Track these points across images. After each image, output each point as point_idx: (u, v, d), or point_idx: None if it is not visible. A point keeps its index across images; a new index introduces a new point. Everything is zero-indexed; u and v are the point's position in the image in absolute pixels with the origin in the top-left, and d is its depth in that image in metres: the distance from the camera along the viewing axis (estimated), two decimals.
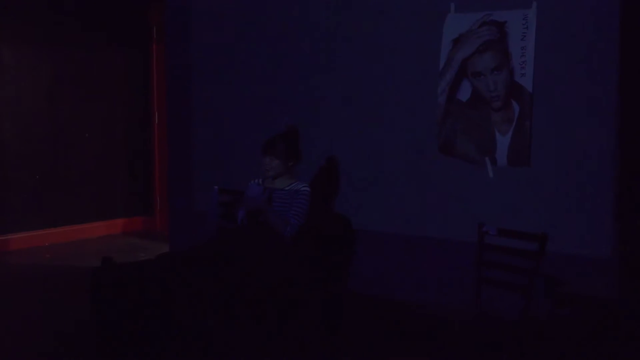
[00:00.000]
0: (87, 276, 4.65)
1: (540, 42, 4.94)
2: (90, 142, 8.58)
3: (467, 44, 5.22)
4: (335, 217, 5.77)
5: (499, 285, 4.49)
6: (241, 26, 6.51)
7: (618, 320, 4.47)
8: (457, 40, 5.26)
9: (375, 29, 5.70)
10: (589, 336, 4.81)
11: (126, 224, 9.01)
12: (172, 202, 7.23)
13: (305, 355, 4.76)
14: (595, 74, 4.78)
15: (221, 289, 4.44)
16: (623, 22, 4.66)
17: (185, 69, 6.96)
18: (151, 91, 8.95)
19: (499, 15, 5.07)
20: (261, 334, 4.67)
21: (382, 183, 5.73)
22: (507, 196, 5.12)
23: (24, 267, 7.27)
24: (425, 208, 5.52)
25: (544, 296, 4.80)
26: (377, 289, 5.77)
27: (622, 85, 4.67)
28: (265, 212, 4.94)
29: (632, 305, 4.53)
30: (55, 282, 6.74)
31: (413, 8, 5.49)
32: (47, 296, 6.32)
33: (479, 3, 5.16)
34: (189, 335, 4.28)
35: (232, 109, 6.62)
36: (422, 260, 5.55)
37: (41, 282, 6.79)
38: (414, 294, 5.57)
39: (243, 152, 6.50)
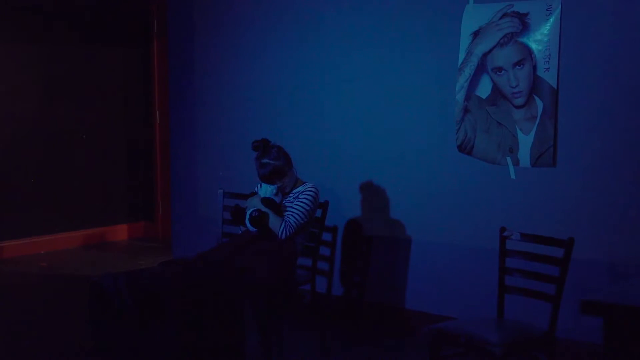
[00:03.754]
0: (85, 285, 4.63)
1: (566, 34, 4.76)
2: (88, 144, 8.47)
3: (487, 37, 5.04)
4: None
5: (523, 293, 4.28)
6: (246, 22, 6.39)
7: None
8: (476, 33, 5.08)
9: (390, 21, 5.56)
10: (622, 346, 4.64)
11: (126, 229, 8.88)
12: (175, 207, 7.16)
13: None
14: (626, 67, 4.59)
15: (225, 299, 4.39)
16: None
17: (188, 67, 6.92)
18: (152, 90, 8.84)
19: (520, 5, 4.90)
20: (265, 342, 4.68)
21: (395, 185, 5.61)
22: (531, 199, 4.98)
23: (19, 276, 7.17)
24: (442, 211, 5.40)
25: (571, 305, 4.63)
26: (389, 298, 5.64)
27: None
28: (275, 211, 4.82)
29: None
30: (52, 292, 6.68)
31: None
32: (43, 306, 6.26)
33: None
34: (189, 344, 4.24)
35: (238, 109, 6.57)
36: (439, 267, 5.46)
37: (37, 291, 6.72)
38: (430, 303, 5.46)
39: (249, 154, 6.33)
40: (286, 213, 4.83)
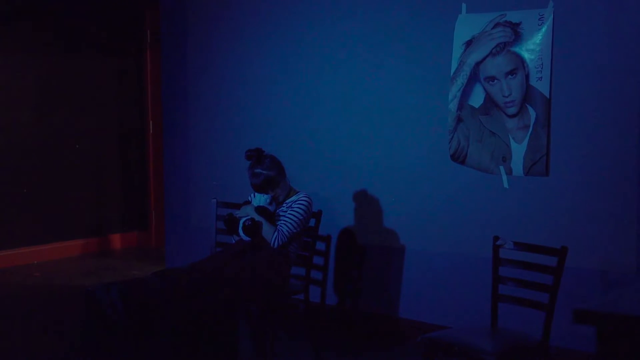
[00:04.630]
0: (78, 295, 4.53)
1: (558, 44, 4.76)
2: (81, 153, 8.41)
3: (479, 47, 5.03)
4: None
5: (517, 302, 4.26)
6: (238, 30, 6.35)
7: None
8: (469, 43, 5.07)
9: (382, 32, 5.53)
10: (615, 355, 4.63)
11: (120, 239, 8.82)
12: (168, 216, 7.11)
13: None
14: (618, 76, 4.57)
15: (218, 308, 4.39)
16: None
17: (181, 76, 6.86)
18: (145, 99, 8.79)
19: (513, 15, 4.89)
20: (259, 351, 4.73)
21: (389, 194, 5.57)
22: (524, 208, 4.96)
23: (12, 286, 7.11)
24: (435, 220, 5.37)
25: (564, 313, 4.62)
26: (383, 307, 5.60)
27: None
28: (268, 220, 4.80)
29: None
30: (45, 302, 6.61)
31: (422, 8, 5.31)
32: (37, 317, 6.19)
33: (492, 3, 5.01)
34: (182, 354, 4.23)
35: (232, 119, 6.52)
36: (432, 277, 5.42)
37: (30, 301, 6.66)
38: (423, 312, 5.43)
39: (242, 164, 6.31)
40: (279, 222, 4.82)
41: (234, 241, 5.00)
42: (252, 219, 4.75)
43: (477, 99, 5.06)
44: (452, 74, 5.15)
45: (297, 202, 4.87)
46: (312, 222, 5.06)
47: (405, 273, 5.53)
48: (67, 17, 8.20)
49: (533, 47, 4.81)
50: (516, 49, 4.88)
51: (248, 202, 4.97)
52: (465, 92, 5.10)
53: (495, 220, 5.04)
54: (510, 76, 4.91)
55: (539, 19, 4.78)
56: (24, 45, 7.89)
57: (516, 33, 4.87)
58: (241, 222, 4.80)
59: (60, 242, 8.26)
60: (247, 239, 4.80)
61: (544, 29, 4.77)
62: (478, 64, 5.04)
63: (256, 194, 4.93)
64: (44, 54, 8.03)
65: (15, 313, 6.29)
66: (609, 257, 4.66)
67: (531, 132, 4.85)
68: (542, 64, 4.78)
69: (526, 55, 4.84)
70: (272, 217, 4.83)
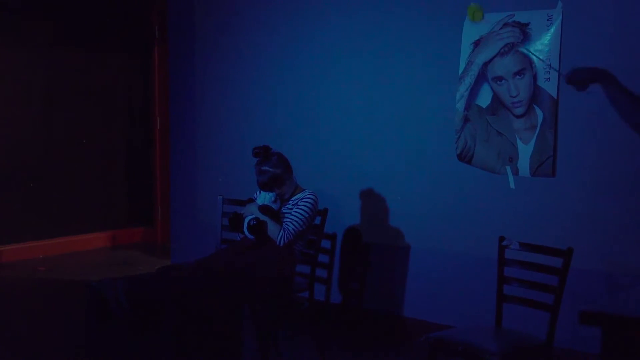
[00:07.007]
0: (83, 290, 4.57)
1: (566, 44, 4.74)
2: (88, 149, 8.43)
3: (487, 47, 5.03)
4: None
5: (522, 303, 4.26)
6: (246, 27, 6.35)
7: None
8: (477, 43, 5.07)
9: (390, 30, 5.52)
10: (619, 357, 4.63)
11: (125, 235, 8.84)
12: (174, 213, 7.12)
13: None
14: (626, 77, 4.55)
15: (222, 305, 4.40)
16: None
17: (188, 73, 6.88)
18: (153, 96, 8.81)
19: (521, 16, 4.89)
20: (263, 349, 4.67)
21: (395, 193, 5.56)
22: (530, 208, 4.96)
23: (17, 281, 7.13)
24: (441, 220, 5.37)
25: (569, 314, 4.62)
26: (387, 306, 5.61)
27: None
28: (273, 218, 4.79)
29: None
30: (50, 297, 6.64)
31: (430, 8, 5.32)
32: (41, 311, 6.21)
33: (501, 3, 5.00)
34: (186, 350, 4.23)
35: (239, 116, 6.52)
36: (438, 276, 5.42)
37: (35, 296, 6.68)
38: (428, 311, 5.43)
39: (249, 161, 6.32)
40: (285, 220, 4.81)
41: (239, 238, 5.00)
42: (257, 219, 4.75)
43: (484, 98, 5.06)
44: (460, 73, 5.15)
45: (303, 200, 4.87)
46: (318, 220, 5.06)
47: (410, 272, 5.53)
48: (75, 14, 8.22)
49: (541, 47, 4.81)
50: (524, 50, 4.87)
51: (252, 200, 4.97)
52: (473, 92, 5.10)
53: (501, 221, 5.03)
54: (518, 76, 4.91)
55: (547, 20, 4.78)
56: (33, 42, 7.90)
57: (524, 33, 4.86)
58: (246, 221, 4.79)
59: (66, 236, 8.28)
60: (252, 237, 4.80)
61: (552, 30, 4.76)
62: (486, 64, 5.03)
63: (260, 192, 4.93)
64: (52, 50, 8.04)
65: (19, 307, 6.30)
66: (615, 259, 4.65)
67: (538, 132, 4.85)
68: (550, 64, 4.77)
69: (534, 56, 4.83)
70: (276, 215, 4.83)
